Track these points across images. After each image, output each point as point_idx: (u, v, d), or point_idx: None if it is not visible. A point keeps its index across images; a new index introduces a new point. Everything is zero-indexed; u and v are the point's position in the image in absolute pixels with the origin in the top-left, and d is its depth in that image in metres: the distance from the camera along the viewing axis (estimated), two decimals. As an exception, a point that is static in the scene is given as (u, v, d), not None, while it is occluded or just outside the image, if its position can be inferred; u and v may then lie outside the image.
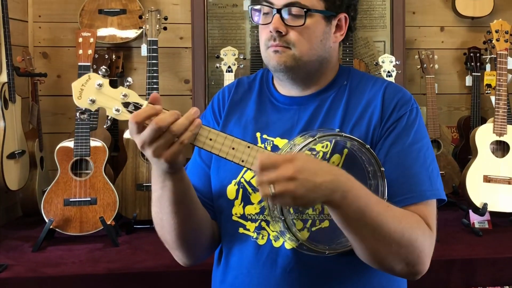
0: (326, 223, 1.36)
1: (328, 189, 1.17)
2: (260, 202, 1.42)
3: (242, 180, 1.45)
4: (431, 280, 2.40)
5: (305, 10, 1.37)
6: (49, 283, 2.25)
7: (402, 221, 1.27)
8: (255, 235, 1.42)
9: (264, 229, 1.41)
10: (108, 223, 2.67)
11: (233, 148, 1.24)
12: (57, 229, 2.66)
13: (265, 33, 1.43)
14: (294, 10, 1.38)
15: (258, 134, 1.47)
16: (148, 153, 1.23)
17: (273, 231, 1.40)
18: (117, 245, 2.62)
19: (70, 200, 2.69)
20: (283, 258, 1.38)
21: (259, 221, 1.42)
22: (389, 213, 1.26)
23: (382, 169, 1.33)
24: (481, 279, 2.43)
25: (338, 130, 1.38)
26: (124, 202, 2.90)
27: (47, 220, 2.63)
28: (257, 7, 1.43)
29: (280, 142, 1.44)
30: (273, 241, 1.40)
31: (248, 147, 1.24)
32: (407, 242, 1.27)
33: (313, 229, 1.35)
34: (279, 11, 1.38)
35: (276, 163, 1.13)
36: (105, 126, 3.16)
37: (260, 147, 1.25)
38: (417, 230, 1.30)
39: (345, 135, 1.32)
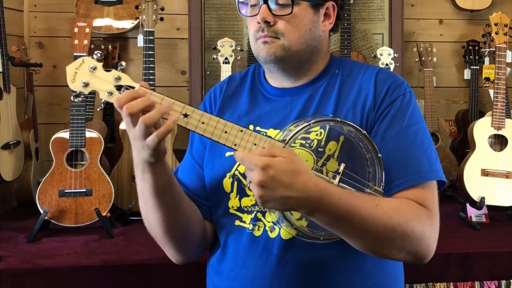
0: None
1: (295, 204, 1.18)
2: None
3: (237, 172, 1.44)
4: (428, 274, 2.40)
5: None
6: (43, 274, 2.24)
7: (394, 216, 1.25)
8: (251, 226, 1.41)
9: (260, 220, 1.40)
10: (104, 214, 2.66)
11: (226, 132, 1.23)
12: (52, 220, 2.65)
13: (253, 25, 1.42)
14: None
15: (251, 127, 1.46)
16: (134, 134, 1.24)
17: (269, 222, 1.39)
18: (112, 237, 2.60)
19: (65, 191, 2.67)
20: (279, 248, 1.37)
21: (254, 212, 1.41)
22: (376, 213, 1.23)
23: (379, 155, 1.31)
24: (478, 273, 2.42)
25: (332, 116, 1.36)
26: (120, 194, 2.89)
27: (42, 211, 2.62)
28: None
29: (273, 133, 1.42)
30: (269, 232, 1.39)
31: (241, 131, 1.23)
32: (401, 235, 1.26)
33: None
34: (265, 1, 1.37)
35: (250, 165, 1.16)
36: (98, 109, 3.14)
37: (253, 131, 1.23)
38: (412, 220, 1.28)
39: (341, 120, 1.30)
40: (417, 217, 1.29)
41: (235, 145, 1.23)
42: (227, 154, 1.46)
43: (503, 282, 2.43)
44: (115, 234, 2.64)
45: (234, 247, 1.44)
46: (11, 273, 2.22)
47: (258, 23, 1.38)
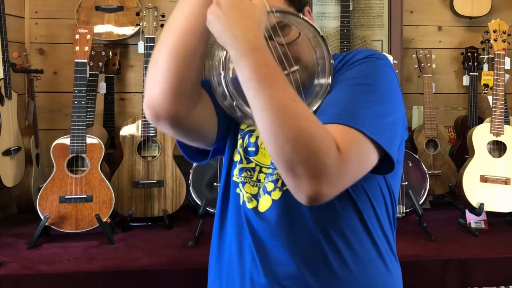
0: None
1: (230, 38, 1.14)
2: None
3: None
4: (427, 280, 2.41)
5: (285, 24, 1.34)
6: (44, 280, 2.24)
7: (303, 118, 1.13)
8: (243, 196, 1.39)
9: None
10: (104, 220, 2.66)
11: None
12: (52, 226, 2.65)
13: None
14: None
15: None
16: None
17: (247, 192, 1.38)
18: (113, 243, 2.61)
19: (66, 197, 2.68)
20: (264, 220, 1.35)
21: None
22: (292, 106, 1.13)
23: (329, 81, 1.26)
24: (477, 279, 2.43)
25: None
26: (120, 200, 2.90)
27: (42, 217, 2.62)
28: None
29: None
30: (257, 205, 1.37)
31: None
32: (301, 135, 1.11)
33: (285, 188, 1.32)
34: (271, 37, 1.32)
35: None
36: (99, 92, 3.22)
37: None
38: (319, 135, 1.12)
39: (303, 17, 1.27)
40: (324, 138, 1.13)
41: None
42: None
43: (502, 288, 2.44)
44: (115, 240, 2.65)
45: (231, 219, 1.43)
46: (12, 279, 2.23)
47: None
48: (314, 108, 1.25)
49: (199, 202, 2.91)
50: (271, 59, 1.15)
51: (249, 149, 1.41)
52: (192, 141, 1.42)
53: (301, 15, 1.27)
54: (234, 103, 1.22)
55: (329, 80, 1.26)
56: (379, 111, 1.23)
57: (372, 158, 1.21)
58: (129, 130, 2.99)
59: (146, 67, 2.95)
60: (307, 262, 1.30)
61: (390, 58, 3.13)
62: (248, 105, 1.18)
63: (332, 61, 1.26)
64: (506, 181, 2.91)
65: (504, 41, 3.05)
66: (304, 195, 1.13)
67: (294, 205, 1.28)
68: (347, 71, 1.30)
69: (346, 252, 1.30)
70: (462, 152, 3.45)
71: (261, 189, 1.36)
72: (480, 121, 3.47)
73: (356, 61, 1.31)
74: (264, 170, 1.38)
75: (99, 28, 3.31)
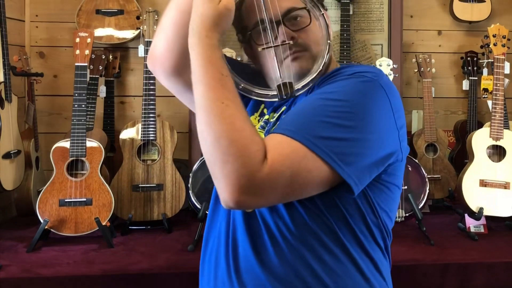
0: None
1: (190, 28, 1.21)
2: None
3: None
4: (426, 284, 2.41)
5: (306, 9, 1.33)
6: (43, 284, 2.24)
7: (227, 122, 1.11)
8: None
9: None
10: (103, 224, 2.66)
11: None
12: (52, 230, 2.66)
13: (269, 49, 1.32)
14: (294, 14, 1.33)
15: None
16: None
17: None
18: (112, 246, 2.61)
19: (66, 200, 2.68)
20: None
21: None
22: (219, 108, 1.12)
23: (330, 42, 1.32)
24: (476, 284, 2.43)
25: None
26: (120, 203, 2.90)
27: (42, 221, 2.62)
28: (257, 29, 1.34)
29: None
30: None
31: None
32: (225, 141, 1.10)
33: None
34: (281, 22, 1.31)
35: None
36: (99, 95, 3.22)
37: None
38: (242, 144, 1.09)
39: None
40: (246, 146, 1.10)
41: None
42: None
43: (501, 292, 2.44)
44: (115, 243, 2.65)
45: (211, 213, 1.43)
46: (11, 282, 2.23)
47: (280, 44, 1.30)
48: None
49: (198, 206, 2.91)
50: (216, 60, 1.17)
51: None
52: (184, 99, 1.52)
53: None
54: None
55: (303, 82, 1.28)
56: (340, 129, 1.16)
57: (317, 175, 1.14)
58: (129, 133, 2.99)
59: (146, 71, 2.97)
60: (276, 275, 1.24)
61: (390, 62, 3.13)
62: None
63: (321, 67, 1.27)
64: (505, 186, 2.91)
65: (503, 45, 3.05)
66: (221, 199, 1.12)
67: (263, 216, 1.27)
68: (327, 84, 1.27)
69: (317, 266, 1.24)
70: (461, 157, 3.45)
71: None
72: (480, 125, 3.47)
73: (342, 76, 1.27)
74: None
75: (99, 32, 3.32)
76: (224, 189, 1.10)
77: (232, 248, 1.30)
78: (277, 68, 1.29)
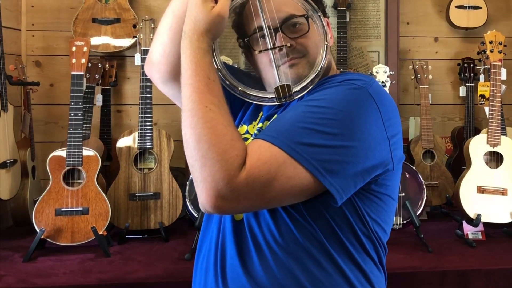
0: None
1: (183, 30, 1.23)
2: None
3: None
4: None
5: (305, 16, 1.34)
6: (39, 294, 2.23)
7: (207, 127, 1.12)
8: None
9: None
10: (100, 233, 2.65)
11: None
12: (48, 239, 2.64)
13: (267, 55, 1.32)
14: (292, 22, 1.33)
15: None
16: None
17: None
18: (109, 256, 2.60)
19: (62, 209, 2.67)
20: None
21: None
22: (202, 111, 1.13)
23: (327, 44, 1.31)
24: (474, 291, 2.42)
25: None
26: (116, 212, 2.89)
27: (38, 230, 2.61)
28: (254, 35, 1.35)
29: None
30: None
31: None
32: (204, 144, 1.11)
33: None
34: (279, 29, 1.31)
35: None
36: (96, 104, 3.20)
37: None
38: (221, 149, 1.10)
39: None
40: (225, 151, 1.10)
41: None
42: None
43: (500, 299, 2.43)
44: (111, 252, 2.64)
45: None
46: (7, 293, 2.22)
47: (277, 51, 1.30)
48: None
49: (195, 214, 2.90)
50: (205, 64, 1.19)
51: None
52: (180, 104, 1.48)
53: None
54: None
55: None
56: (322, 136, 1.14)
57: (298, 182, 1.13)
58: (125, 142, 2.99)
59: (143, 79, 2.96)
60: (261, 285, 1.23)
61: (387, 69, 3.13)
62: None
63: (319, 69, 1.27)
64: (503, 192, 2.91)
65: (500, 52, 3.05)
66: (199, 202, 1.13)
67: (250, 225, 1.26)
68: (316, 92, 1.26)
69: (303, 277, 1.22)
70: (459, 163, 3.45)
71: None
72: (477, 131, 3.47)
73: (330, 84, 1.27)
74: None
75: (95, 40, 3.32)
76: (201, 193, 1.11)
77: (220, 256, 1.29)
78: (275, 70, 1.29)
